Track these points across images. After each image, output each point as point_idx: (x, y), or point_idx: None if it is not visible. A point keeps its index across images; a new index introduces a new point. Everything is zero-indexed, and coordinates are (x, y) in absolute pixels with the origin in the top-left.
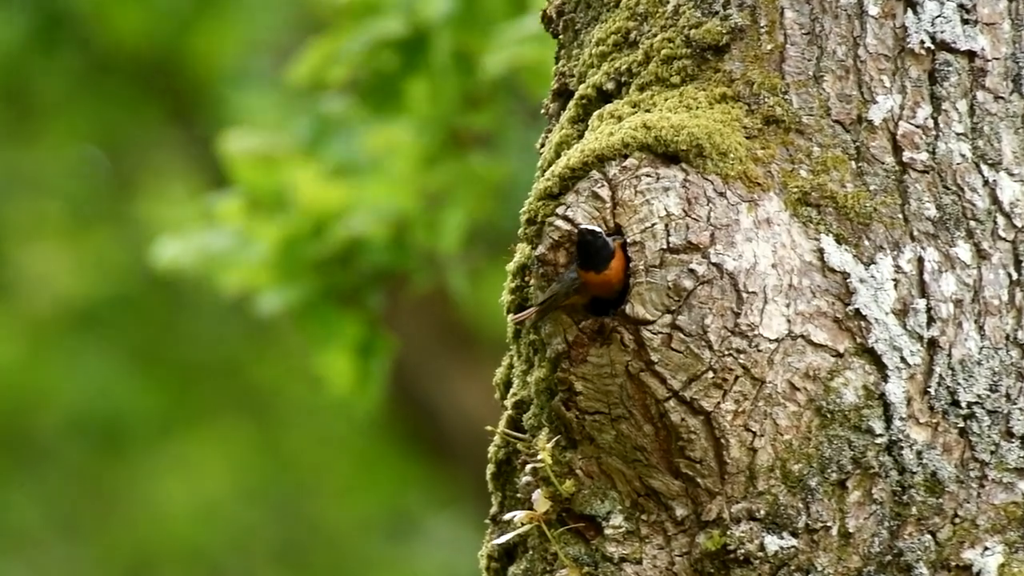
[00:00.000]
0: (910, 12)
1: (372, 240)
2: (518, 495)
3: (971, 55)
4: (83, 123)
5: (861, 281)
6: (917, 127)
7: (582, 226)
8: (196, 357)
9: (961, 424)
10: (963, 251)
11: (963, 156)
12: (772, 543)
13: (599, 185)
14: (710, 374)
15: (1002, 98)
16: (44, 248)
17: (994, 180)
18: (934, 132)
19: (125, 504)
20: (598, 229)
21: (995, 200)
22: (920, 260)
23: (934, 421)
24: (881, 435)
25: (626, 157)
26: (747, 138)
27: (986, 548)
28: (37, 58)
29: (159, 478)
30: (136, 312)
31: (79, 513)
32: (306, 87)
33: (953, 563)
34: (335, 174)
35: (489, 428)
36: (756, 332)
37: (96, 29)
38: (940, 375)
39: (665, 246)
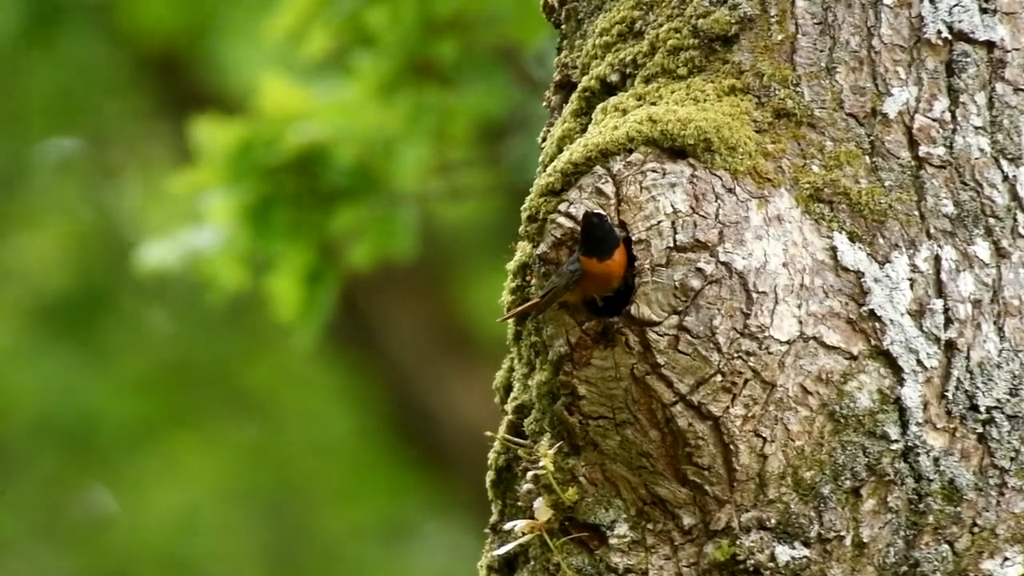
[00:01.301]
0: (926, 1)
1: (334, 159)
2: (519, 503)
3: (990, 46)
4: (74, 114)
5: (876, 281)
6: (934, 120)
7: (588, 210)
8: (183, 357)
9: (980, 429)
10: (982, 249)
11: (981, 151)
12: (783, 553)
13: (603, 181)
14: (719, 377)
15: (1022, 90)
16: (23, 240)
17: (1014, 176)
18: (951, 126)
19: (108, 512)
20: (604, 213)
21: (1015, 196)
22: (937, 259)
23: (952, 426)
24: (897, 441)
25: (631, 152)
26: (757, 132)
27: (1006, 558)
28: (33, 48)
29: (144, 484)
30: (119, 308)
31: (60, 520)
32: (286, 39)
33: (971, 574)
34: (301, 85)
35: (488, 433)
36: (766, 334)
37: (114, 20)
38: (958, 378)
39: (672, 244)
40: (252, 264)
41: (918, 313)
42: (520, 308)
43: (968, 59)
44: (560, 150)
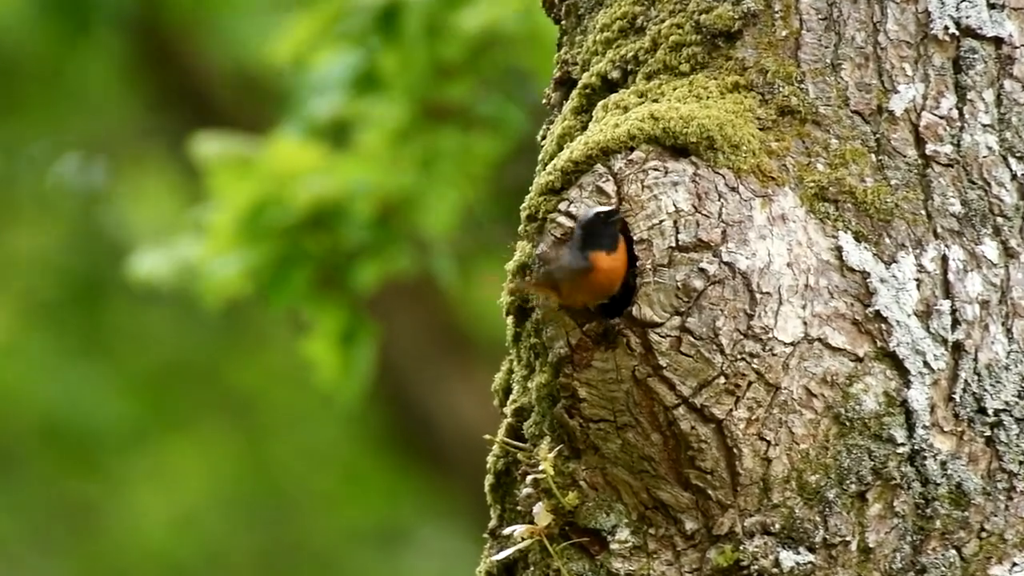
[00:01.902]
0: None
1: (352, 214)
2: (518, 508)
3: (998, 42)
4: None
5: (882, 281)
6: (941, 118)
7: (596, 209)
8: (173, 358)
9: (988, 433)
10: (989, 249)
11: (990, 149)
12: (788, 559)
13: (604, 179)
14: (722, 379)
15: None
16: (12, 238)
17: (1022, 174)
18: (959, 123)
19: (99, 515)
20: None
21: None
22: (944, 259)
23: (959, 429)
24: (903, 444)
25: (632, 150)
26: (761, 130)
27: (1015, 564)
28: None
29: (134, 488)
30: (106, 308)
31: (51, 525)
32: (288, 64)
33: None
34: (311, 139)
35: (487, 437)
36: (770, 335)
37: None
38: (966, 381)
39: (674, 244)
40: (251, 277)
41: (925, 314)
42: (524, 283)
43: (976, 55)
44: (560, 148)
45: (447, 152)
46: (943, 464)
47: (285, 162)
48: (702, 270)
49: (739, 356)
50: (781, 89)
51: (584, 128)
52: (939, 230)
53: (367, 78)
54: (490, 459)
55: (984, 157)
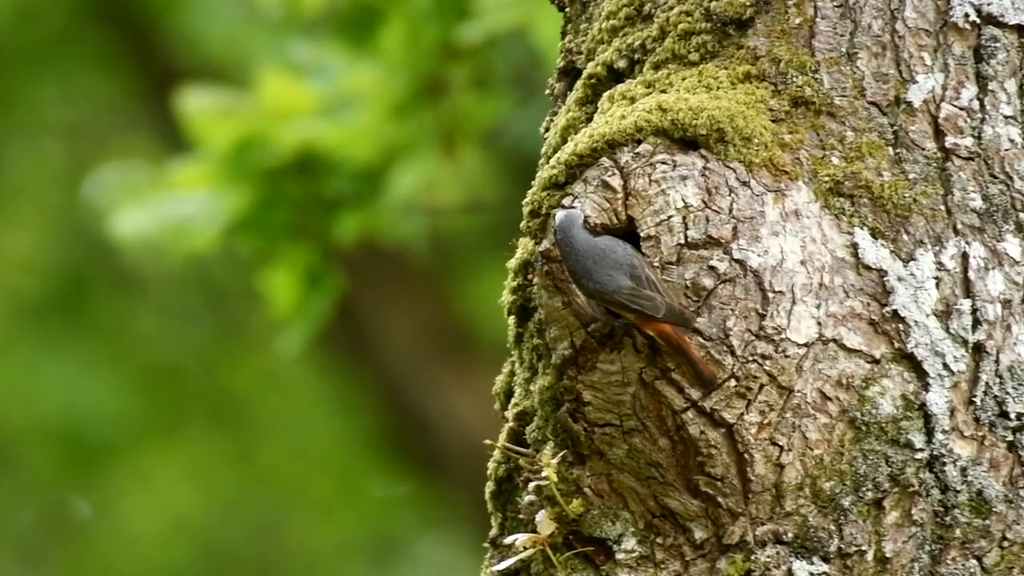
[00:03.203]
0: None
1: (341, 163)
2: (520, 516)
3: (1021, 30)
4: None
5: (899, 279)
6: (961, 109)
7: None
8: (161, 359)
9: (1010, 437)
10: (1012, 246)
11: (1012, 141)
12: (801, 569)
13: (609, 173)
14: (732, 382)
15: None
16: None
17: None
18: (980, 115)
19: (86, 522)
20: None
21: None
22: (964, 256)
23: (980, 434)
24: (921, 450)
25: (639, 142)
26: (773, 122)
27: None
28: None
29: (123, 494)
30: (94, 307)
31: (36, 533)
32: (278, 14)
33: None
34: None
35: (488, 442)
36: (783, 336)
37: None
38: (987, 383)
39: (683, 241)
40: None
41: (944, 314)
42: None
43: (997, 44)
44: (564, 141)
45: (437, 122)
46: (963, 470)
47: (275, 100)
48: (712, 268)
49: (751, 358)
50: (794, 79)
51: (589, 120)
52: (959, 226)
53: (358, 23)
54: (491, 465)
55: (1006, 150)
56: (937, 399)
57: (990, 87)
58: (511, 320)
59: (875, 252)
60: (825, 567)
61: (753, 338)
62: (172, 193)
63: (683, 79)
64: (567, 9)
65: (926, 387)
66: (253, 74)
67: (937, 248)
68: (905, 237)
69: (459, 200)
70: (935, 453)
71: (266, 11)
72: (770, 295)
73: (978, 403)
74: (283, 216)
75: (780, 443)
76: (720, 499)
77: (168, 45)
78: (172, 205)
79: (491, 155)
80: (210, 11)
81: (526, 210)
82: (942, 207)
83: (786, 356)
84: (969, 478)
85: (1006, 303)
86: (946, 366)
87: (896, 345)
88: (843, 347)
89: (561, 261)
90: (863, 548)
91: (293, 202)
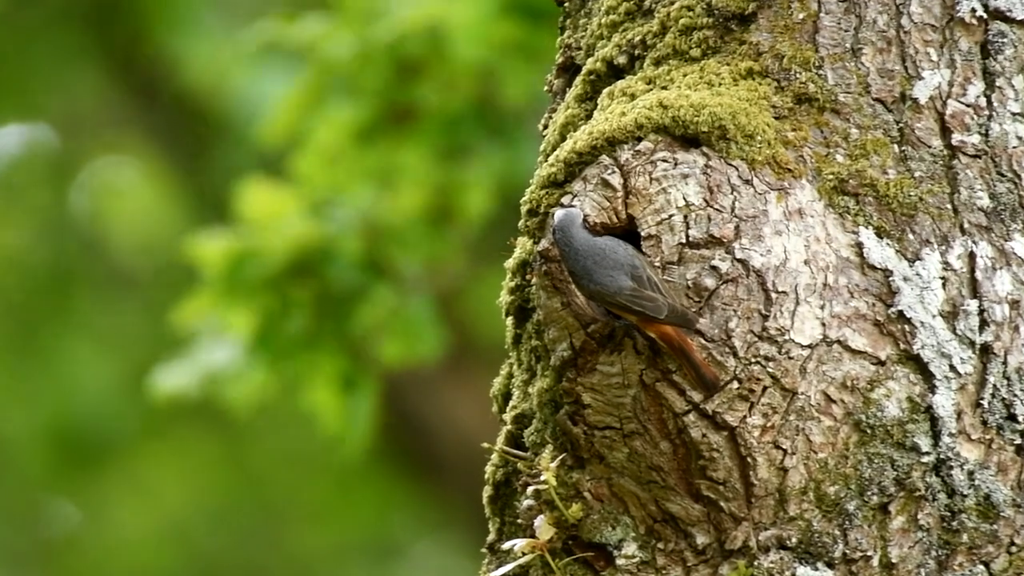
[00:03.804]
0: None
1: (339, 256)
2: (519, 521)
3: None
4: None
5: (905, 280)
6: (968, 106)
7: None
8: (152, 360)
9: (1018, 440)
10: (1020, 245)
11: (1019, 139)
12: (805, 575)
13: (609, 171)
14: (735, 384)
15: None
16: None
17: None
18: (987, 112)
19: (77, 527)
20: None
21: None
22: (971, 256)
23: (987, 437)
24: (928, 453)
25: (640, 140)
26: (776, 119)
27: None
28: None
29: (113, 497)
30: (81, 306)
31: (26, 537)
32: (280, 141)
33: None
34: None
35: (486, 445)
36: (787, 337)
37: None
38: (994, 385)
39: (684, 240)
40: (277, 376)
41: (951, 315)
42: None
43: (1005, 39)
44: (563, 138)
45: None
46: (970, 474)
47: (259, 210)
48: (714, 268)
49: (753, 359)
50: (798, 75)
51: (588, 117)
52: (966, 225)
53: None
54: (488, 469)
55: (1014, 147)
56: (944, 401)
57: (997, 83)
58: (509, 321)
59: (880, 252)
60: (830, 573)
61: (756, 339)
62: (199, 340)
63: (684, 75)
64: (566, 4)
65: (932, 389)
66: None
67: (943, 247)
68: (911, 236)
69: (462, 263)
70: (942, 456)
71: (268, 141)
72: (773, 295)
73: (985, 405)
74: (297, 323)
75: (783, 446)
76: (722, 503)
77: (154, 53)
78: (205, 354)
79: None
80: (195, 34)
81: (524, 209)
82: (948, 206)
83: (790, 358)
84: (976, 482)
85: (1014, 304)
86: (953, 368)
87: (902, 346)
88: (848, 348)
89: (560, 261)
90: (868, 553)
91: (302, 307)
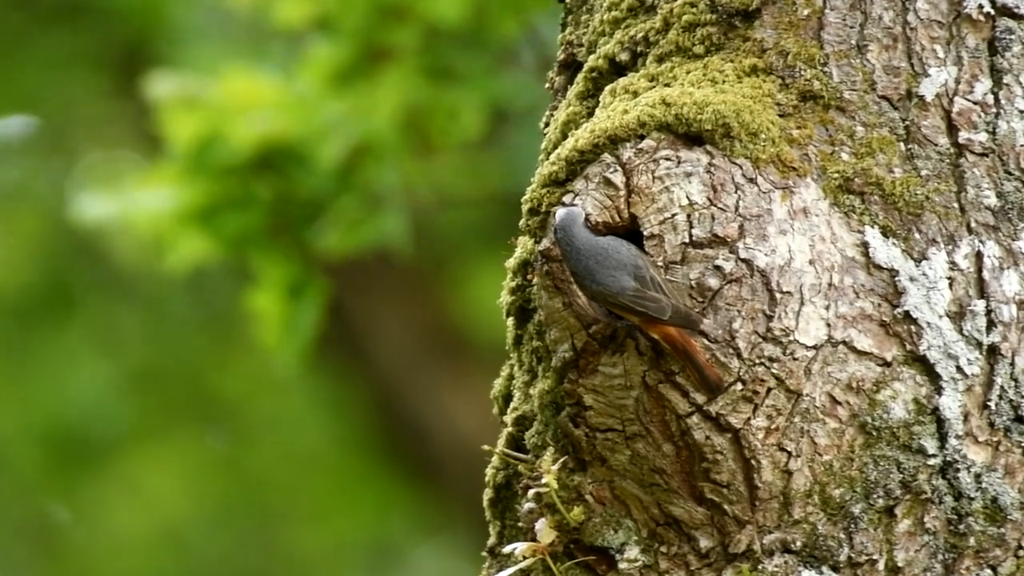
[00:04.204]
0: None
1: (315, 160)
2: (519, 524)
3: None
4: (25, 85)
5: (911, 279)
6: (975, 104)
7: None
8: (148, 361)
9: None
10: None
11: None
12: None
13: (611, 170)
14: (739, 386)
15: None
16: None
17: None
18: (994, 109)
19: (69, 532)
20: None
21: None
22: (979, 255)
23: (995, 439)
24: (934, 455)
25: (642, 138)
26: (781, 116)
27: None
28: None
29: (109, 500)
30: (84, 309)
31: (21, 538)
32: (250, 12)
33: None
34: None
35: (486, 447)
36: (791, 338)
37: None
38: (1002, 387)
39: (687, 239)
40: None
41: (958, 315)
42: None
43: (1012, 36)
44: (564, 136)
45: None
46: (977, 477)
47: (235, 95)
48: (718, 268)
49: (757, 360)
50: (803, 72)
51: (590, 115)
52: (973, 224)
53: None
54: (489, 471)
55: (1022, 146)
56: (950, 403)
57: (1005, 80)
58: (510, 322)
59: (886, 251)
60: None
61: (760, 340)
62: (140, 185)
63: (687, 72)
64: (567, 0)
65: (939, 391)
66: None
67: (950, 247)
68: (917, 236)
69: (434, 199)
70: (948, 459)
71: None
72: (778, 296)
73: (993, 407)
74: (254, 219)
75: (788, 449)
76: (726, 507)
77: (151, 65)
78: (135, 197)
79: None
80: (190, 38)
81: (525, 207)
82: (955, 205)
83: (794, 359)
84: (983, 485)
85: (1022, 304)
86: (959, 369)
87: (908, 347)
88: (853, 349)
89: (562, 261)
90: (874, 557)
91: (262, 203)
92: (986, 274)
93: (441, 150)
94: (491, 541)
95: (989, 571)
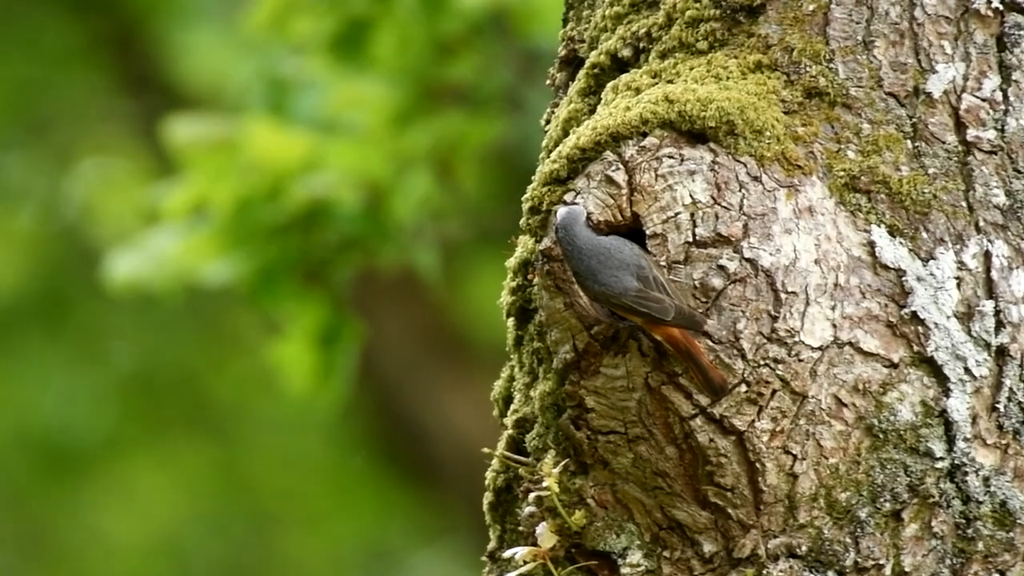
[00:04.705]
0: None
1: (339, 206)
2: (520, 528)
3: None
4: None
5: (918, 279)
6: (983, 100)
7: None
8: (143, 365)
9: None
10: None
11: None
12: None
13: (614, 168)
14: (743, 387)
15: None
16: None
17: None
18: (1003, 106)
19: (61, 538)
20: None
21: None
22: (987, 255)
23: (1003, 442)
24: (942, 459)
25: (645, 136)
26: (786, 113)
27: None
28: None
29: (101, 506)
30: (72, 311)
31: (13, 546)
32: (264, 34)
33: None
34: (296, 128)
35: (486, 450)
36: (796, 339)
37: None
38: (1011, 389)
39: (691, 239)
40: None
41: (966, 316)
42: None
43: (1022, 32)
44: (566, 133)
45: (442, 136)
46: (986, 480)
47: (267, 150)
48: (721, 267)
49: (762, 362)
50: (808, 69)
51: (592, 111)
52: (981, 223)
53: (348, 39)
54: (489, 475)
55: None
56: (958, 405)
57: (1014, 77)
58: (510, 322)
59: (893, 251)
60: None
61: (765, 341)
62: (161, 226)
63: (691, 69)
64: None
65: (947, 393)
66: (236, 100)
67: (958, 246)
68: (924, 235)
69: (463, 227)
70: (956, 462)
71: (252, 35)
72: (783, 296)
73: (1001, 409)
74: (293, 273)
75: (793, 451)
76: (730, 510)
77: (149, 49)
78: (163, 240)
79: (489, 171)
80: (193, 27)
81: (526, 206)
82: (963, 203)
83: (799, 360)
84: (992, 488)
85: None
86: (968, 371)
87: (915, 349)
88: (859, 351)
89: (563, 260)
90: (881, 562)
91: (299, 257)
92: (995, 274)
93: (459, 170)
94: (491, 545)
95: None
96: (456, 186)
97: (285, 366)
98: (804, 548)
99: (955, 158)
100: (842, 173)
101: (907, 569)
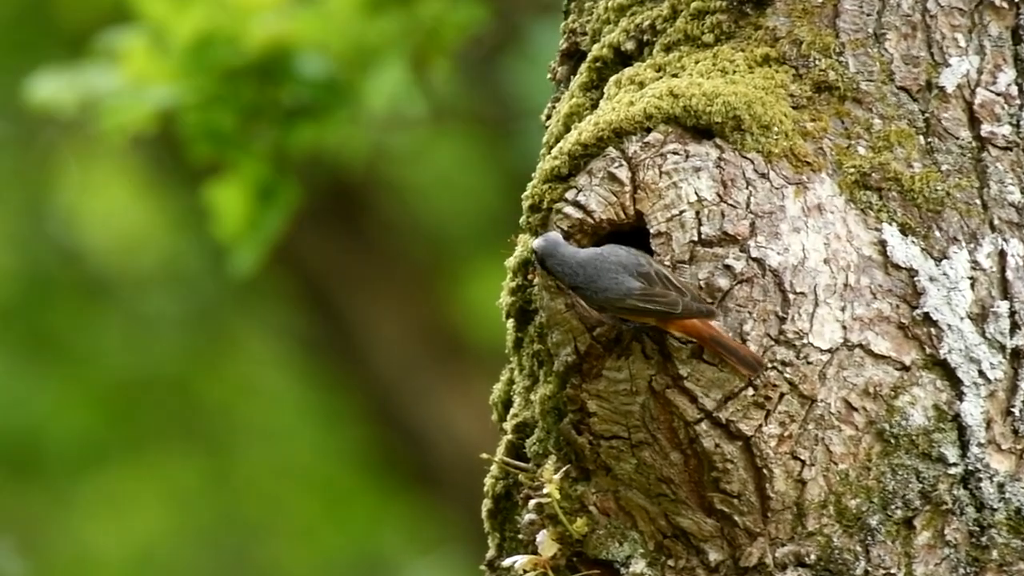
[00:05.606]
0: None
1: (301, 62)
2: (520, 536)
3: None
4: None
5: (931, 280)
6: (998, 95)
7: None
8: (130, 371)
9: None
10: None
11: None
12: None
13: (616, 164)
14: (750, 391)
15: None
16: None
17: None
18: (1018, 101)
19: (45, 549)
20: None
21: None
22: (1002, 254)
23: (1019, 447)
24: (955, 464)
25: (649, 131)
26: (794, 108)
27: None
28: None
29: (87, 516)
30: (54, 314)
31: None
32: None
33: None
34: None
35: (485, 456)
36: (805, 341)
37: None
38: None
39: (696, 238)
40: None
41: (980, 317)
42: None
43: None
44: (567, 129)
45: (416, 26)
46: (1000, 486)
47: None
48: (728, 267)
49: (769, 364)
50: (817, 62)
51: (594, 106)
52: (996, 222)
53: None
54: (488, 481)
55: None
56: (972, 409)
57: None
58: (510, 324)
59: (905, 250)
60: None
61: (772, 343)
62: (99, 64)
63: (696, 62)
64: None
65: (960, 396)
66: None
67: (972, 245)
68: (937, 234)
69: (425, 114)
70: (970, 468)
71: None
72: (791, 296)
73: (1017, 414)
74: (234, 118)
75: (802, 457)
76: (737, 518)
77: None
78: (99, 77)
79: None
80: None
81: (526, 204)
82: (977, 201)
83: (808, 363)
84: (1007, 495)
85: None
86: (982, 373)
87: (928, 351)
88: (870, 353)
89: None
90: (892, 571)
91: (247, 107)
92: (1010, 274)
93: (433, 62)
94: (490, 554)
95: None
96: (428, 75)
97: (219, 207)
98: (813, 557)
99: (969, 154)
100: (852, 170)
101: None
